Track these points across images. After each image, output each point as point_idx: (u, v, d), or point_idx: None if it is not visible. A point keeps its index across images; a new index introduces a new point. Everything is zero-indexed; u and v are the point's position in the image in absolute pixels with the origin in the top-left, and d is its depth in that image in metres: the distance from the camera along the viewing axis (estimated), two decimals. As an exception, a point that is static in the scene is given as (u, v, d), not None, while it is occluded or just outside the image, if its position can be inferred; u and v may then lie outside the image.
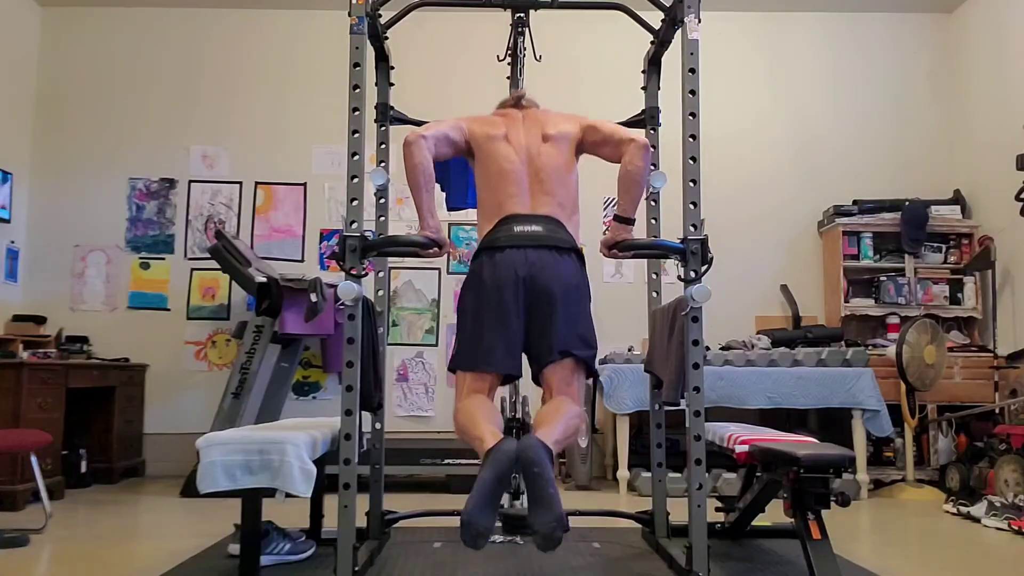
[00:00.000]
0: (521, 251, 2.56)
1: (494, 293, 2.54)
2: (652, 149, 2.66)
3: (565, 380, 2.57)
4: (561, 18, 4.19)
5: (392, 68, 3.45)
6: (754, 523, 3.44)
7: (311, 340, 5.50)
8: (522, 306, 2.55)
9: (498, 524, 3.35)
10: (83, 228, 5.81)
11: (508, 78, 3.58)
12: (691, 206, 2.60)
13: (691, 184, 2.61)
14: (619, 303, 5.64)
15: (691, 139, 2.63)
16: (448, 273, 5.77)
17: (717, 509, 3.46)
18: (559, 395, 2.55)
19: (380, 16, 3.03)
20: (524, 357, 2.64)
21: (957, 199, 5.74)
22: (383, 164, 3.33)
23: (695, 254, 2.56)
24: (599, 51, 5.89)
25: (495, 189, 2.69)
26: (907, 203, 5.59)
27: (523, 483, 2.17)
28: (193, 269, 5.79)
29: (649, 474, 4.01)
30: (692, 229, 2.58)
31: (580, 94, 5.73)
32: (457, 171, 3.42)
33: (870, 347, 5.34)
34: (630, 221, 2.68)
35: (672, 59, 3.07)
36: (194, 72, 5.96)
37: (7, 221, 5.47)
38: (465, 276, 2.69)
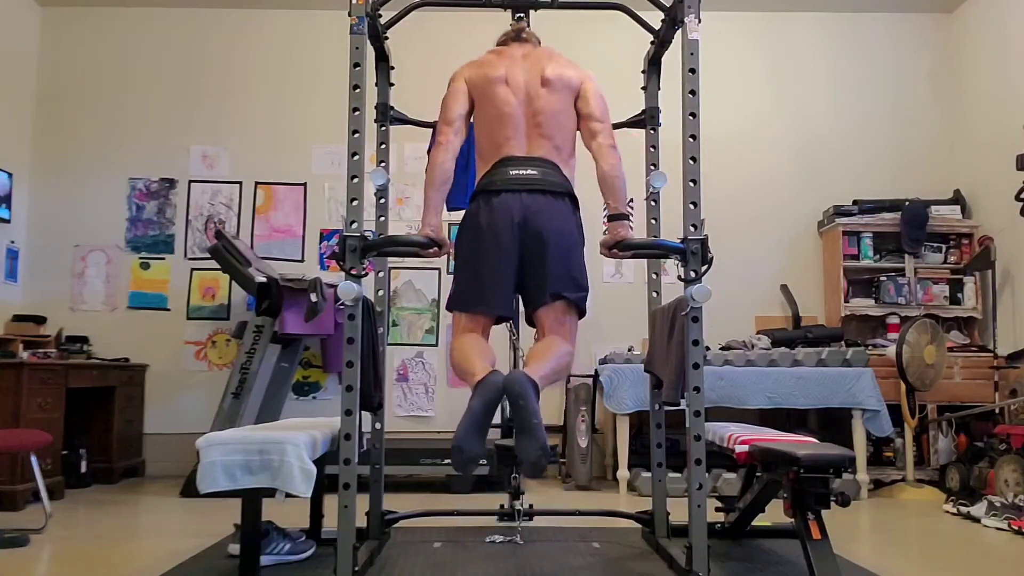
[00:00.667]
0: (516, 195, 2.64)
1: (489, 237, 2.63)
2: (614, 149, 2.73)
3: (557, 320, 2.68)
4: (561, 18, 4.18)
5: (392, 68, 3.45)
6: (754, 523, 3.44)
7: (311, 340, 5.50)
8: (516, 249, 2.64)
9: (497, 537, 3.38)
10: (83, 228, 5.81)
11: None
12: (691, 206, 2.60)
13: (691, 184, 2.61)
14: (619, 303, 5.64)
15: (691, 139, 2.63)
16: (448, 273, 5.77)
17: (717, 509, 3.46)
18: (551, 334, 2.66)
19: (380, 16, 3.03)
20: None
21: (957, 199, 5.74)
22: (383, 164, 3.33)
23: (695, 254, 2.56)
24: (599, 51, 5.88)
25: (493, 131, 2.75)
26: (907, 203, 5.59)
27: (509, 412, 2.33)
28: (193, 269, 5.79)
29: (649, 474, 4.01)
30: (692, 229, 2.58)
31: (580, 94, 5.73)
32: (456, 171, 3.41)
33: (870, 347, 5.34)
34: (624, 216, 2.71)
35: (672, 59, 3.07)
36: (194, 72, 5.96)
37: (7, 221, 5.47)
38: (462, 218, 2.75)
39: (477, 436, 2.27)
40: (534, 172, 2.67)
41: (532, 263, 2.64)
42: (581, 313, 2.74)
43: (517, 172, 2.67)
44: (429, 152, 2.81)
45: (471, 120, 2.86)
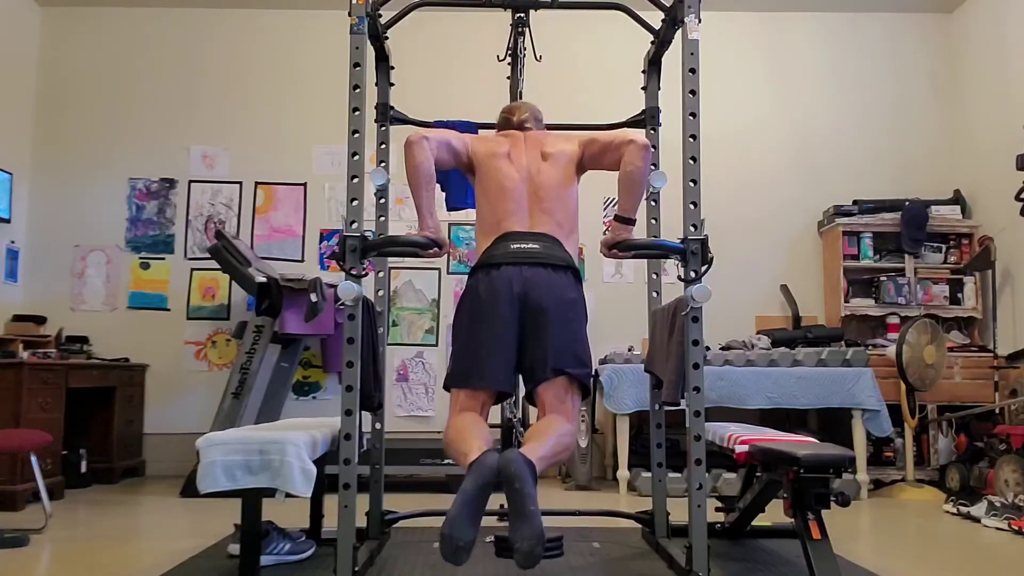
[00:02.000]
0: (517, 268, 2.56)
1: (489, 309, 2.54)
2: (652, 149, 2.65)
3: (559, 398, 2.54)
4: (561, 18, 4.18)
5: (392, 68, 3.45)
6: (754, 523, 3.44)
7: (311, 340, 5.49)
8: (516, 322, 2.53)
9: (489, 539, 3.37)
10: (83, 228, 5.81)
11: (508, 78, 3.59)
12: (691, 206, 2.60)
13: (691, 184, 2.61)
14: (619, 303, 5.64)
15: (691, 139, 2.63)
16: (448, 273, 5.77)
17: (717, 509, 3.46)
18: (552, 413, 2.52)
19: (380, 16, 3.03)
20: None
21: (957, 199, 5.74)
22: (383, 164, 3.33)
23: (695, 254, 2.56)
24: (599, 51, 5.89)
25: (494, 206, 2.70)
26: (907, 203, 5.59)
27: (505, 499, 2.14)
28: (193, 269, 5.79)
29: (649, 474, 4.01)
30: (692, 229, 2.58)
31: (580, 94, 5.74)
32: (457, 171, 3.42)
33: (870, 347, 5.34)
34: (631, 221, 2.68)
35: (672, 59, 3.07)
36: (194, 72, 5.96)
37: (7, 221, 5.47)
38: (462, 292, 2.68)
39: (470, 522, 2.08)
40: (536, 246, 2.61)
41: (533, 337, 2.53)
42: (585, 392, 2.60)
43: (518, 246, 2.60)
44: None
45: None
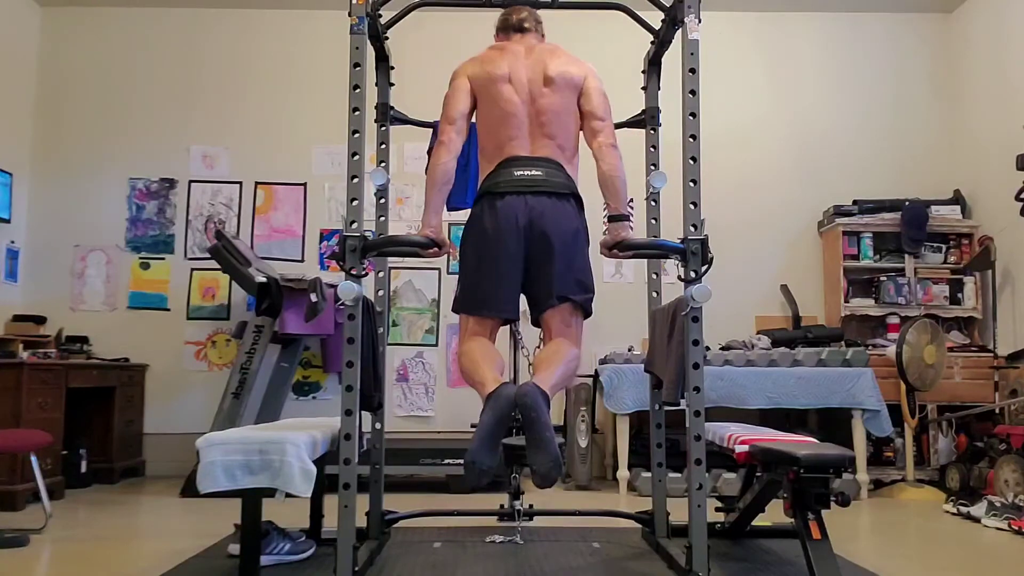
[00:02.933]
0: (520, 197, 2.63)
1: (494, 240, 2.63)
2: (615, 148, 2.72)
3: (564, 322, 2.67)
4: (561, 18, 4.16)
5: (392, 68, 3.45)
6: (754, 523, 3.44)
7: (311, 340, 5.49)
8: (521, 252, 2.64)
9: (497, 537, 3.39)
10: (83, 228, 5.81)
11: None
12: (691, 206, 2.60)
13: (691, 184, 2.61)
14: (619, 303, 5.63)
15: (691, 139, 2.63)
16: (448, 273, 5.76)
17: (717, 509, 3.46)
18: (558, 337, 2.65)
19: (380, 16, 3.03)
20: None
21: (957, 199, 5.74)
22: (383, 164, 3.33)
23: (695, 254, 2.56)
24: (599, 51, 5.85)
25: (496, 131, 2.74)
26: (907, 203, 5.59)
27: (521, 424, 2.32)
28: (193, 269, 5.79)
29: (649, 474, 4.01)
30: (692, 229, 2.58)
31: (580, 94, 5.74)
32: (457, 171, 3.41)
33: (870, 347, 5.33)
34: (624, 217, 2.71)
35: (672, 59, 3.07)
36: (194, 72, 5.96)
37: (7, 221, 5.47)
38: (467, 220, 2.75)
39: (491, 449, 2.27)
40: (539, 173, 2.66)
41: (538, 266, 2.64)
42: (587, 314, 2.74)
43: (522, 173, 2.66)
44: (430, 152, 2.80)
45: (473, 119, 2.85)
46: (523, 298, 2.77)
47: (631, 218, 2.76)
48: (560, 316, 2.67)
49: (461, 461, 4.71)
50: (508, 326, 3.16)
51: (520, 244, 2.62)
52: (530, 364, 3.09)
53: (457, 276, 2.82)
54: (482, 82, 2.77)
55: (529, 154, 2.70)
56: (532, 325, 2.81)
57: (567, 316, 2.67)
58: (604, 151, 2.72)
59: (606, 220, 2.72)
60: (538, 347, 2.99)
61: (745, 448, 3.06)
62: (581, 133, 2.83)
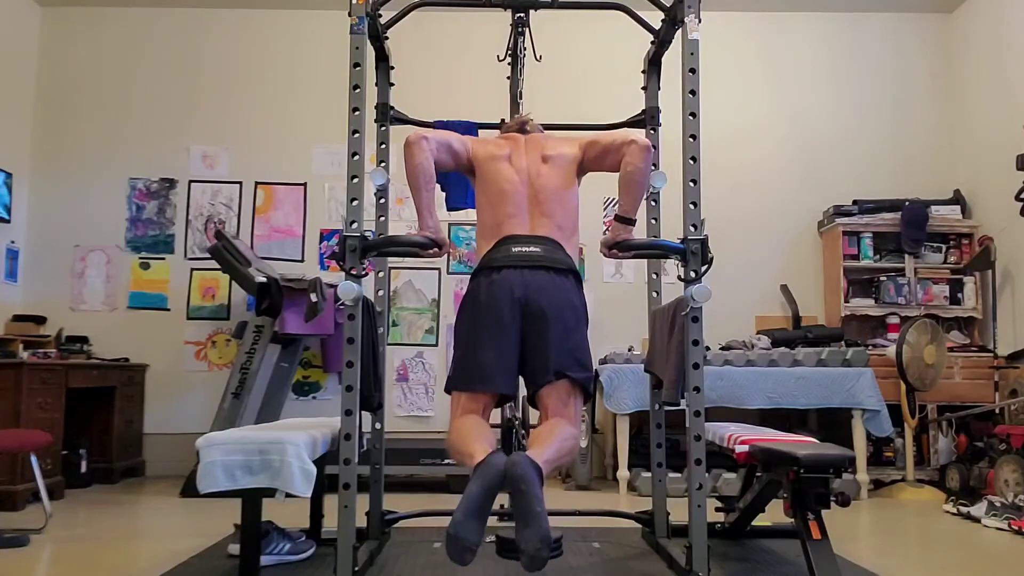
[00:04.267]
0: (518, 271, 2.56)
1: (490, 312, 2.54)
2: (653, 149, 2.66)
3: (561, 401, 2.54)
4: (561, 18, 4.18)
5: (392, 68, 3.45)
6: (754, 523, 3.44)
7: (311, 340, 5.49)
8: (517, 326, 2.54)
9: (490, 539, 3.38)
10: (83, 228, 5.81)
11: (508, 78, 3.59)
12: (691, 206, 2.60)
13: (691, 184, 2.61)
14: (619, 303, 5.64)
15: (691, 139, 2.63)
16: (448, 273, 5.77)
17: (717, 509, 3.46)
18: (555, 416, 2.53)
19: (380, 16, 3.03)
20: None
21: (957, 199, 5.73)
22: (383, 164, 3.33)
23: (695, 254, 2.56)
24: (599, 51, 5.90)
25: (495, 209, 2.70)
26: (907, 203, 5.59)
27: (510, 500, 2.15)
28: (193, 269, 5.79)
29: (649, 474, 4.01)
30: (692, 229, 2.58)
31: (580, 94, 5.74)
32: (456, 171, 3.42)
33: (870, 347, 5.34)
34: (631, 221, 2.68)
35: (672, 59, 3.07)
36: (194, 72, 5.96)
37: (7, 221, 5.47)
38: (463, 296, 2.68)
39: (476, 523, 2.08)
40: (536, 249, 2.61)
41: (534, 340, 2.54)
42: (587, 396, 2.61)
43: (519, 249, 2.60)
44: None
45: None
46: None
47: (635, 223, 2.72)
48: (557, 394, 2.54)
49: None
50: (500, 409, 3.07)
51: (516, 317, 2.53)
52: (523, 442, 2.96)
53: (452, 347, 2.74)
54: (483, 158, 2.75)
55: (527, 232, 2.65)
56: (528, 404, 2.69)
57: (564, 395, 2.54)
58: (636, 150, 2.62)
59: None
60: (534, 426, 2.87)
61: (745, 448, 3.06)
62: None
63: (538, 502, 2.09)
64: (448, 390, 2.64)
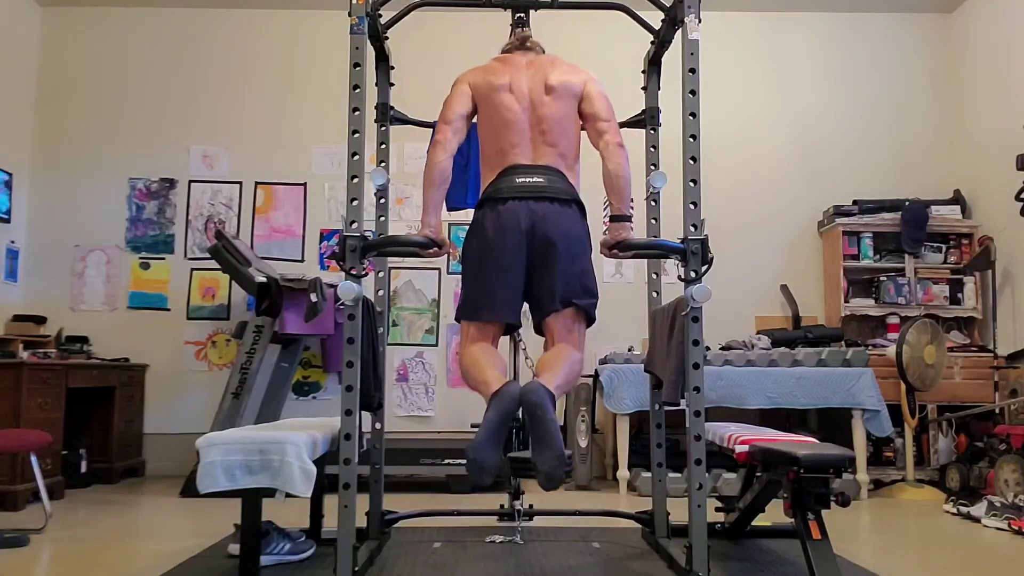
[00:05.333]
0: (523, 203, 2.63)
1: (497, 245, 2.62)
2: (622, 148, 2.73)
3: (567, 327, 2.65)
4: (561, 18, 4.18)
5: (392, 68, 3.45)
6: (754, 523, 3.44)
7: (311, 340, 5.49)
8: (524, 257, 2.63)
9: (497, 537, 3.39)
10: (83, 228, 5.81)
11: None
12: (691, 206, 2.60)
13: (691, 184, 2.61)
14: (619, 303, 5.64)
15: (691, 139, 2.63)
16: (448, 273, 5.76)
17: (717, 509, 3.46)
18: (561, 342, 2.63)
19: (380, 16, 3.03)
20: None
21: (957, 199, 5.73)
22: (383, 164, 3.33)
23: (695, 254, 2.56)
24: (599, 51, 5.89)
25: (498, 139, 2.74)
26: (907, 203, 5.59)
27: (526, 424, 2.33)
28: (193, 269, 5.79)
29: (649, 474, 4.01)
30: (692, 229, 2.58)
31: (580, 94, 5.74)
32: (456, 171, 3.42)
33: (870, 347, 5.33)
34: (626, 217, 2.71)
35: (672, 59, 3.07)
36: (194, 72, 5.96)
37: (7, 221, 5.47)
38: (468, 227, 2.74)
39: (494, 446, 2.26)
40: (541, 180, 2.66)
41: (540, 270, 2.63)
42: (590, 320, 2.71)
43: (523, 180, 2.65)
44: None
45: (472, 122, 2.86)
46: (525, 306, 2.75)
47: (632, 218, 2.75)
48: (563, 321, 2.64)
49: (461, 461, 4.77)
50: (509, 336, 3.16)
51: (522, 248, 2.61)
52: (532, 371, 3.06)
53: (460, 278, 2.81)
54: (483, 90, 2.78)
55: (531, 162, 2.70)
56: (535, 332, 2.78)
57: (570, 322, 2.65)
58: (611, 149, 2.71)
59: (607, 220, 2.73)
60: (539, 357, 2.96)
61: (745, 448, 3.06)
62: (584, 138, 2.83)
63: (553, 424, 2.26)
64: (458, 319, 2.77)
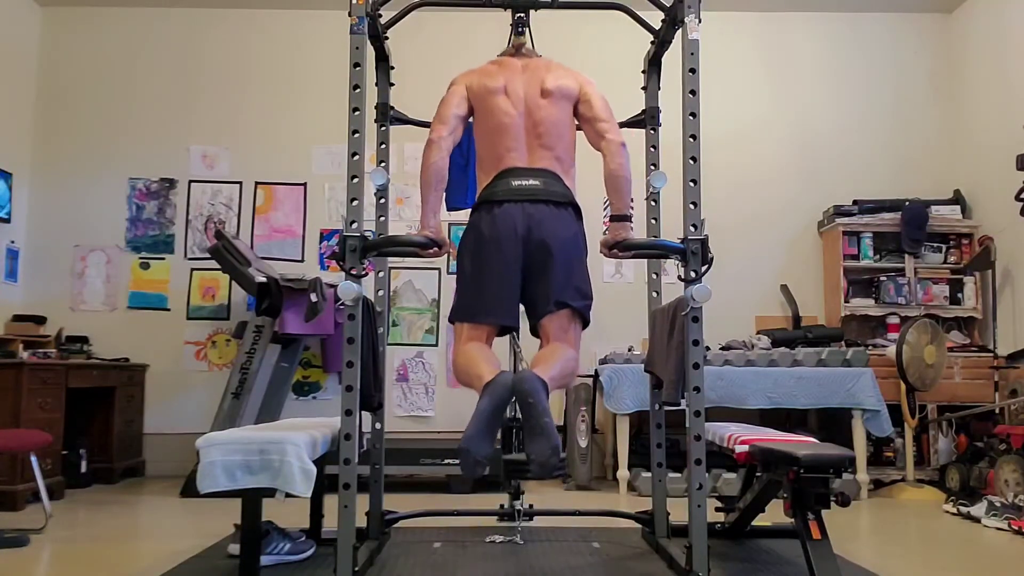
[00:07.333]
0: (519, 205, 2.64)
1: (492, 247, 2.63)
2: (624, 147, 2.74)
3: (562, 328, 2.66)
4: (561, 18, 4.19)
5: (392, 68, 3.45)
6: (754, 523, 3.44)
7: (311, 340, 5.49)
8: (520, 259, 2.63)
9: (497, 537, 3.38)
10: (83, 228, 5.81)
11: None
12: (691, 206, 2.60)
13: (691, 184, 2.61)
14: (619, 303, 5.64)
15: (691, 139, 2.63)
16: (448, 273, 5.76)
17: (717, 509, 3.46)
18: (555, 341, 2.64)
19: (380, 16, 3.03)
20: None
21: (957, 199, 5.74)
22: (383, 164, 3.33)
23: (695, 254, 2.56)
24: (599, 51, 5.89)
25: (493, 142, 2.74)
26: (907, 203, 5.59)
27: (519, 413, 2.31)
28: (193, 269, 5.79)
29: (649, 474, 4.01)
30: (692, 229, 2.58)
31: (580, 94, 5.74)
32: (456, 171, 3.42)
33: (870, 347, 5.33)
34: (627, 217, 2.72)
35: (672, 59, 3.07)
36: (194, 72, 5.96)
37: (7, 221, 5.47)
38: (464, 230, 2.75)
39: (486, 438, 2.24)
40: (536, 183, 2.66)
41: (536, 273, 2.63)
42: (585, 323, 2.72)
43: (519, 183, 2.66)
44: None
45: (468, 122, 2.86)
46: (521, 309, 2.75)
47: (632, 218, 2.75)
48: (558, 322, 2.65)
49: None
50: (506, 337, 3.15)
51: (518, 251, 2.62)
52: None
53: (456, 280, 2.82)
54: (479, 93, 2.78)
55: (527, 165, 2.70)
56: (531, 334, 2.79)
57: (565, 323, 2.66)
58: (612, 148, 2.72)
59: (607, 220, 2.73)
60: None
61: (745, 448, 3.06)
62: (583, 140, 2.83)
63: (546, 413, 2.25)
64: (452, 320, 2.76)
